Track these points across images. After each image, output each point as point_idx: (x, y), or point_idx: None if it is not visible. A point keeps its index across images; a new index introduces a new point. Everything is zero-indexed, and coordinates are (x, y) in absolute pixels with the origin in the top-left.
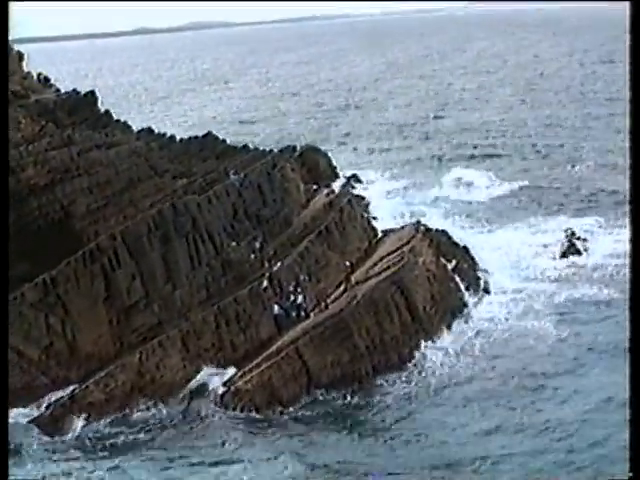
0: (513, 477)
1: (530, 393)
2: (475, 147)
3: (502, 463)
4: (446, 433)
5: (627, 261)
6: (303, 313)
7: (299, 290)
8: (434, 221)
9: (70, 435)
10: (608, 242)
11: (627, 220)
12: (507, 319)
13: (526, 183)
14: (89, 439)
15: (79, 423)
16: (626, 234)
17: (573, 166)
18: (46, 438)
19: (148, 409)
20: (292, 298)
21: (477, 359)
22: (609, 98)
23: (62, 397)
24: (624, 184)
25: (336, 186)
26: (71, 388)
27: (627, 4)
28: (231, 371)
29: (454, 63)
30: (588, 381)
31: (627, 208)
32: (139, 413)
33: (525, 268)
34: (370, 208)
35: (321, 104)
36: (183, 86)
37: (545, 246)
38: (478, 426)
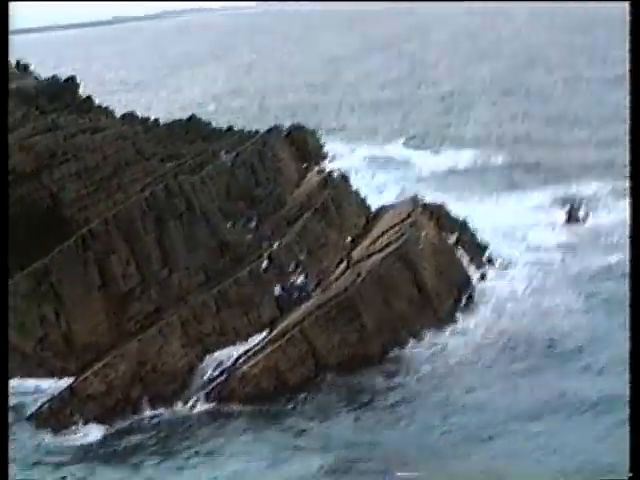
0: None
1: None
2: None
3: (519, 463)
4: (464, 421)
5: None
6: (305, 293)
7: (300, 269)
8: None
9: (72, 433)
10: (604, 211)
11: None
12: (518, 293)
13: (504, 158)
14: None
15: (79, 419)
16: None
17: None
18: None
19: (153, 404)
20: (293, 278)
21: (493, 338)
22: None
23: (61, 390)
24: (609, 153)
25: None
26: (70, 380)
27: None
28: (235, 356)
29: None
30: None
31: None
32: (144, 409)
33: (525, 238)
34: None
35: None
36: (164, 70)
37: (541, 215)
38: (500, 418)
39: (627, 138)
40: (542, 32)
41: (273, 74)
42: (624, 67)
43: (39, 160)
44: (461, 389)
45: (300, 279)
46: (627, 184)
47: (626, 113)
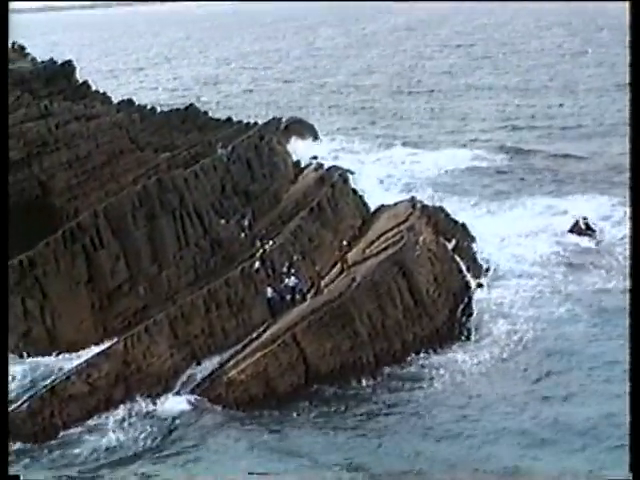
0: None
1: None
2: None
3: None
4: (453, 434)
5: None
6: (299, 296)
7: (293, 271)
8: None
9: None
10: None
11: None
12: (515, 307)
13: (505, 161)
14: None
15: (59, 419)
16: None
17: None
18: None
19: (134, 406)
20: (286, 280)
21: (487, 351)
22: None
23: (41, 388)
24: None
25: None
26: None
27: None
28: (223, 360)
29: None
30: None
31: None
32: (125, 411)
33: (525, 248)
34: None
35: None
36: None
37: (545, 226)
38: (490, 434)
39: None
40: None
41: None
42: None
43: (30, 148)
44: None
45: (292, 280)
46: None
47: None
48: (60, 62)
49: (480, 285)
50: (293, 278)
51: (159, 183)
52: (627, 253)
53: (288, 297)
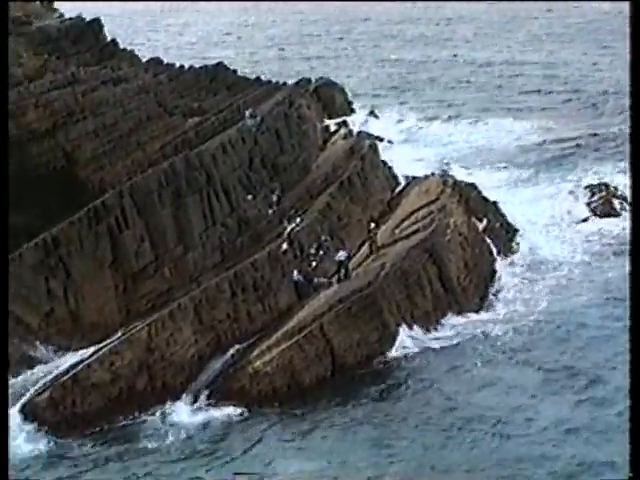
0: None
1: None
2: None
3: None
4: (487, 427)
5: None
6: (345, 270)
7: (321, 253)
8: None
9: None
10: None
11: None
12: (548, 298)
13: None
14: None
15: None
16: None
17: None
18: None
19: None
20: (314, 263)
21: (518, 343)
22: None
23: (62, 375)
24: None
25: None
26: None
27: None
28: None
29: None
30: None
31: None
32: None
33: (562, 230)
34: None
35: None
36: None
37: (579, 202)
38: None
39: None
40: None
41: None
42: None
43: (55, 117)
44: None
45: (341, 253)
46: None
47: None
48: (88, 19)
49: (513, 272)
50: (342, 252)
51: (186, 161)
52: None
53: (316, 280)
